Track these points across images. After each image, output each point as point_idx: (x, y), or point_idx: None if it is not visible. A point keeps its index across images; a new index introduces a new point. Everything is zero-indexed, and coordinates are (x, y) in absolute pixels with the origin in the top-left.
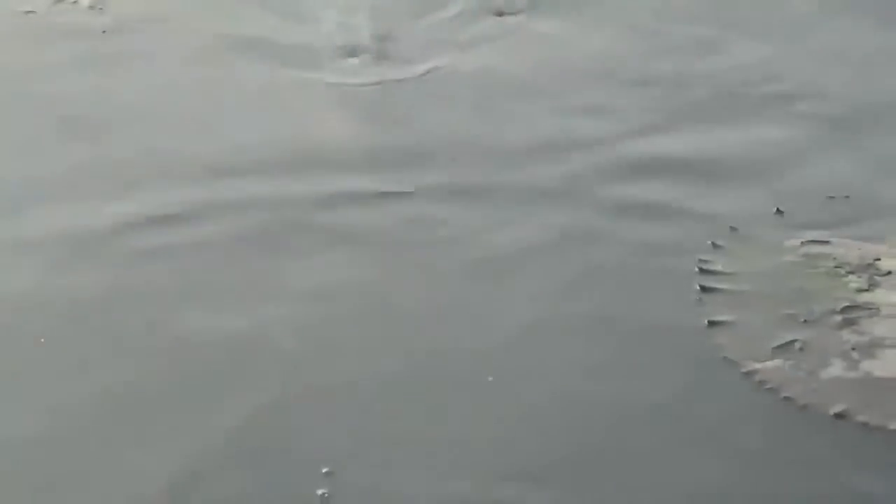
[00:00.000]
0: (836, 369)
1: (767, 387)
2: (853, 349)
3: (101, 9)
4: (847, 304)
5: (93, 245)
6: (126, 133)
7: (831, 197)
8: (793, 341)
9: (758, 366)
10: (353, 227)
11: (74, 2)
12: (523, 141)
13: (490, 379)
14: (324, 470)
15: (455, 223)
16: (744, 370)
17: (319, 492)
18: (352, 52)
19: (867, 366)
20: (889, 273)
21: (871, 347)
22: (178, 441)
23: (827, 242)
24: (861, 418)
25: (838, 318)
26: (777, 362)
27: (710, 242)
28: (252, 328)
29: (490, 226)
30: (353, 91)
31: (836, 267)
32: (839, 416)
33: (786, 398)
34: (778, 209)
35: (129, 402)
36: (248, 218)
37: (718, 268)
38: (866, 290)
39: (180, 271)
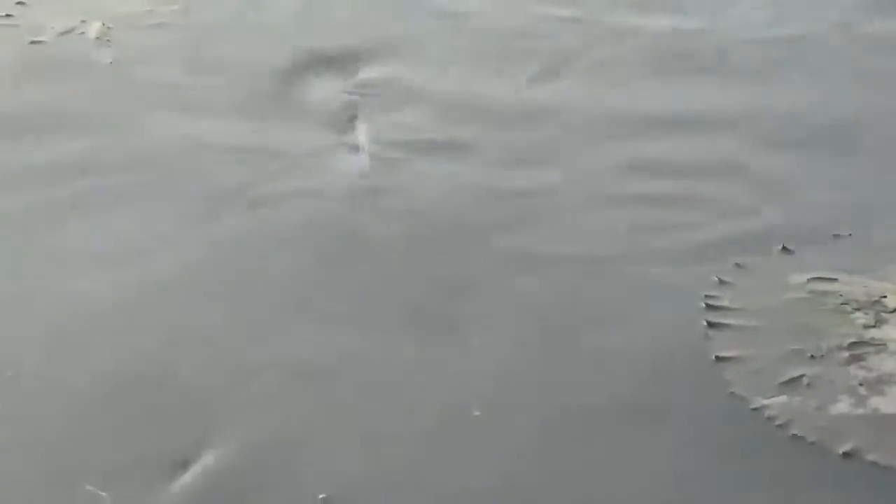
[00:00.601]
0: (844, 406)
1: (776, 423)
2: (861, 385)
3: (108, 40)
4: (854, 340)
5: None
6: None
7: (837, 235)
8: (800, 377)
9: (766, 401)
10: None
11: (82, 33)
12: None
13: (477, 413)
14: (321, 496)
15: None
16: (752, 406)
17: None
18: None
19: (875, 402)
20: (895, 310)
21: (879, 384)
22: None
23: (833, 279)
24: (870, 457)
25: (845, 354)
26: (785, 398)
27: (716, 278)
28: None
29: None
30: None
31: (842, 303)
32: (848, 454)
33: (794, 436)
34: (784, 247)
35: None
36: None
37: (725, 303)
38: (873, 327)
39: None
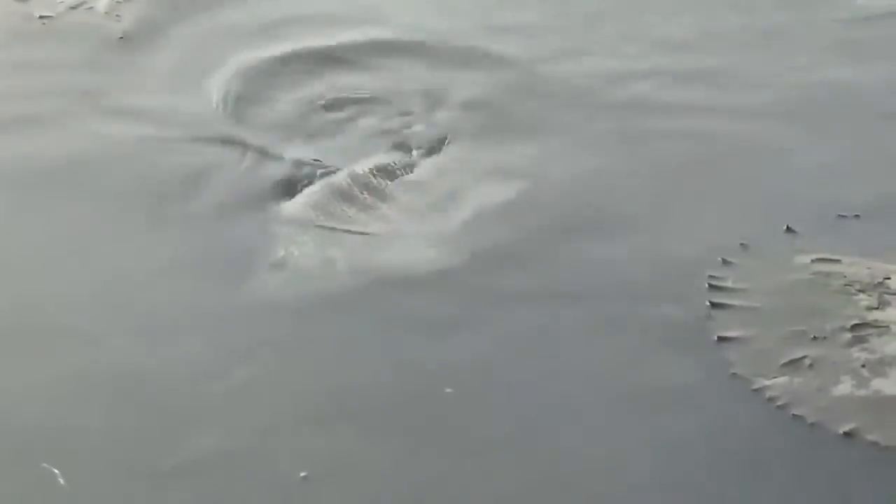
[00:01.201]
0: (845, 387)
1: (777, 404)
2: (863, 367)
3: (117, 15)
4: (857, 321)
5: None
6: None
7: (842, 216)
8: (802, 358)
9: (767, 382)
10: None
11: (91, 7)
12: None
13: (448, 390)
14: (302, 474)
15: None
16: (753, 387)
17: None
18: None
19: (877, 384)
20: None
21: (881, 365)
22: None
23: (837, 260)
24: (870, 437)
25: (848, 335)
26: (786, 379)
27: (720, 259)
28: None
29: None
30: None
31: (846, 285)
32: (848, 434)
33: (795, 416)
34: (789, 227)
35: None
36: None
37: (729, 284)
38: (876, 309)
39: None
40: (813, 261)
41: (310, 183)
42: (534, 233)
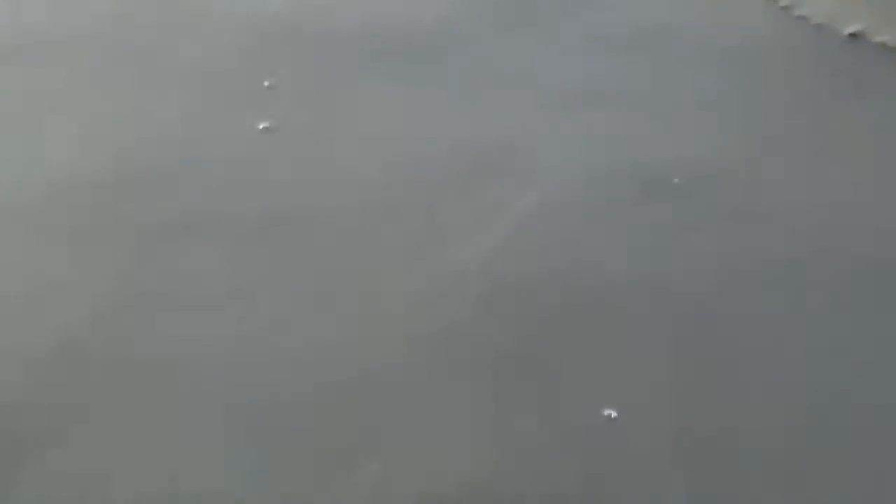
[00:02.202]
0: None
1: (781, 4)
2: None
3: None
4: None
5: None
6: None
7: None
8: None
9: None
10: None
11: None
12: None
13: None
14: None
15: None
16: None
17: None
18: None
19: None
20: None
21: None
22: None
23: None
24: (878, 39)
25: None
26: None
27: None
28: None
29: None
30: None
31: None
32: (854, 35)
33: (799, 17)
34: None
35: None
36: None
37: None
38: None
39: None
40: None
41: None
42: None
